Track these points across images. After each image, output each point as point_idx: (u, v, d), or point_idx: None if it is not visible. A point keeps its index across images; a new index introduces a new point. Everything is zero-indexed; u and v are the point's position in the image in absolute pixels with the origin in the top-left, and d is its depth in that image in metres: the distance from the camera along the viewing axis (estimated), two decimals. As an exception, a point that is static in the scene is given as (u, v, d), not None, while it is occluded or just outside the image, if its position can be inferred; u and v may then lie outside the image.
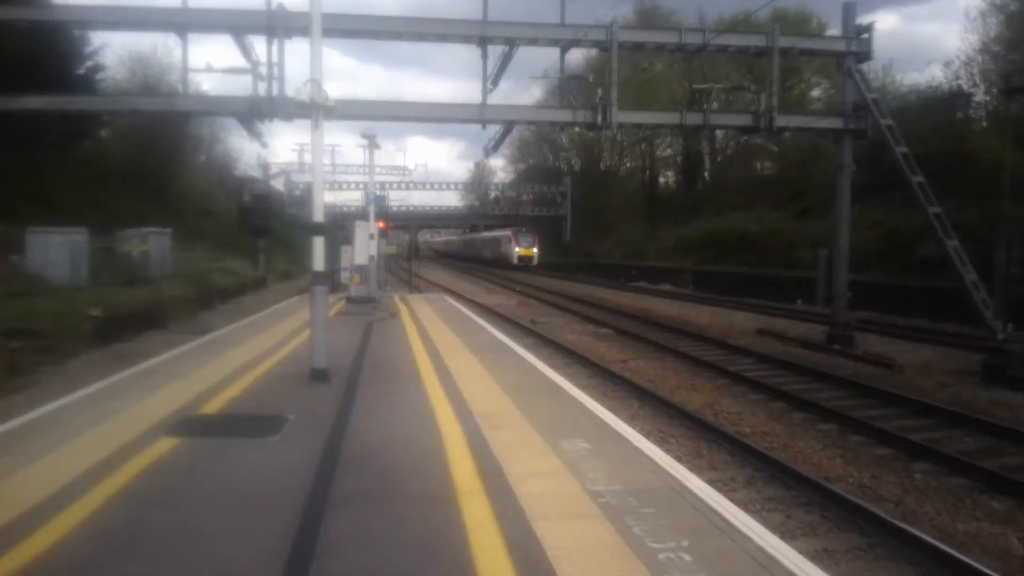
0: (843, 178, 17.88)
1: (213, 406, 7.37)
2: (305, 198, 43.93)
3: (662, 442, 8.65)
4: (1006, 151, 15.45)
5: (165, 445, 5.98)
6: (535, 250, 59.38)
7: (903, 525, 6.24)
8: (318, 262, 8.83)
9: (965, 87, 32.27)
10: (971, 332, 16.09)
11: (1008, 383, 12.46)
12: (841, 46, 17.58)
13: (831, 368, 14.05)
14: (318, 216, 8.94)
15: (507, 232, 61.99)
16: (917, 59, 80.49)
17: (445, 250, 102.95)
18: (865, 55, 17.37)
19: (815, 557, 5.55)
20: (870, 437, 9.41)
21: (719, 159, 50.94)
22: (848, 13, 17.51)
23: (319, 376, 8.51)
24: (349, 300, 18.27)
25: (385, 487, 5.05)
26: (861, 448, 9.08)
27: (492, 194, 77.16)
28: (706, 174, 52.18)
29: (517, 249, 59.38)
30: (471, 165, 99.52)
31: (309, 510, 4.61)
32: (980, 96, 32.04)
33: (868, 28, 17.14)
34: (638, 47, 17.92)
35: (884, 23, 46.27)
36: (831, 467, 8.30)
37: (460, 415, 7.02)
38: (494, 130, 19.96)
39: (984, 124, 30.74)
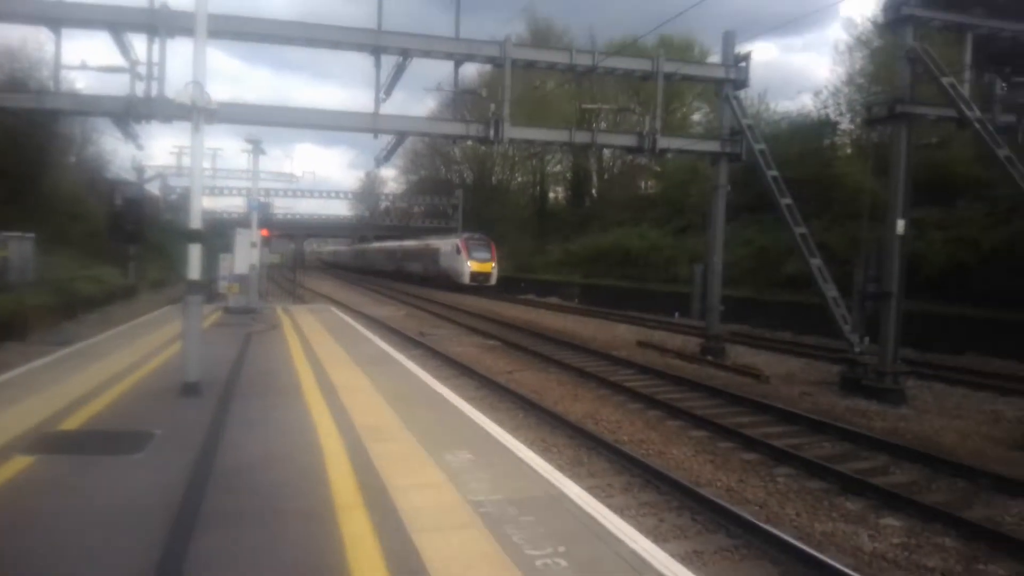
0: (718, 198, 18.83)
1: (74, 422, 6.94)
2: (182, 203, 41.98)
3: (544, 451, 8.81)
4: (866, 177, 16.70)
5: (19, 463, 5.59)
6: (494, 265, 44.37)
7: (766, 526, 6.62)
8: (194, 270, 8.50)
9: (832, 116, 34.74)
10: (831, 345, 17.26)
11: (863, 392, 13.46)
12: (720, 73, 18.51)
13: (704, 378, 14.75)
14: (195, 222, 8.60)
15: (453, 240, 46.56)
16: (790, 88, 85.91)
17: (335, 260, 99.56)
18: (742, 83, 18.34)
19: (685, 559, 5.82)
20: (738, 443, 9.95)
21: (606, 176, 52.47)
22: (727, 42, 18.49)
23: (191, 390, 8.17)
24: (227, 311, 17.59)
25: (260, 504, 4.92)
26: (730, 453, 9.58)
27: (383, 205, 76.27)
28: (594, 191, 53.59)
29: (470, 264, 43.47)
30: (362, 174, 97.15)
31: (177, 530, 4.42)
32: (845, 125, 34.51)
33: (746, 57, 18.09)
34: (530, 65, 18.27)
35: (762, 53, 49.15)
36: (702, 472, 8.71)
37: (342, 429, 6.92)
38: (386, 140, 19.80)
39: (848, 151, 33.13)
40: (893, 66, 15.63)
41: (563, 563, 4.18)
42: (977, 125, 13.02)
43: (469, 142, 34.79)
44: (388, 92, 17.04)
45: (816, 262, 15.83)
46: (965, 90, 13.91)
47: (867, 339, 14.45)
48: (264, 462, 5.82)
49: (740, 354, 18.21)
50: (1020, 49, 17.93)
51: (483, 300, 35.97)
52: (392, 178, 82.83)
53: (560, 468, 6.86)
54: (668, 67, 18.07)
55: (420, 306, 32.20)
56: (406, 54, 16.17)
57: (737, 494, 7.97)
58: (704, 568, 5.95)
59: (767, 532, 6.47)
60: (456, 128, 18.40)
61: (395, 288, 46.30)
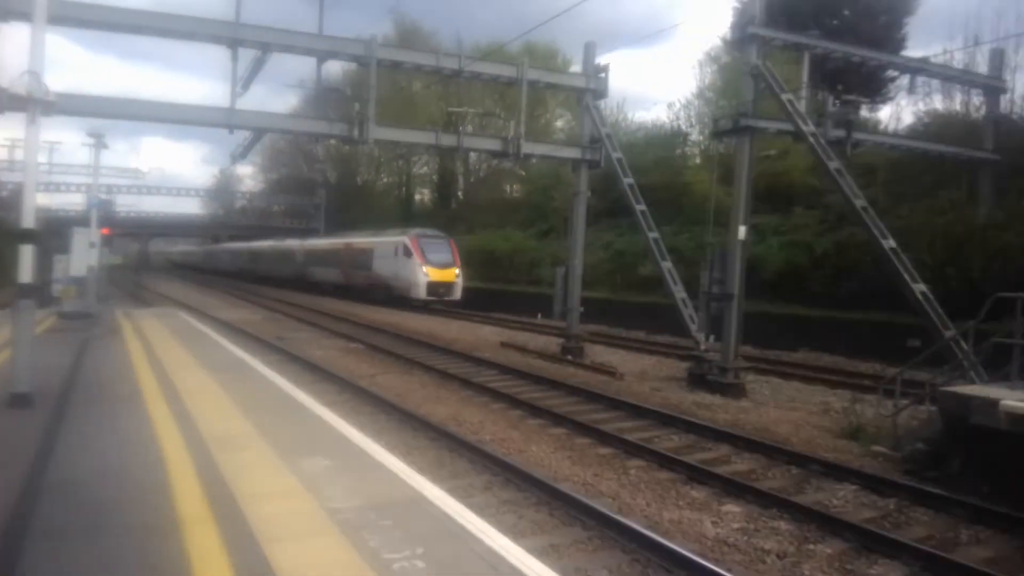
0: (579, 203, 19.44)
1: None
2: (14, 200, 38.35)
3: (406, 455, 8.74)
4: (713, 185, 17.80)
5: None
6: (457, 272, 33.09)
7: (618, 517, 6.91)
8: (25, 273, 7.83)
9: (684, 127, 36.72)
10: (681, 343, 18.22)
11: (708, 387, 14.30)
12: (581, 83, 19.08)
13: (564, 377, 15.18)
14: (28, 221, 7.93)
15: (399, 238, 34.16)
16: (647, 99, 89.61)
17: (185, 261, 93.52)
18: (601, 92, 19.01)
19: (542, 553, 5.95)
20: (594, 439, 10.32)
21: (472, 180, 52.83)
22: (588, 53, 19.08)
23: (20, 401, 7.51)
24: (62, 316, 16.28)
25: (96, 520, 4.60)
26: (586, 449, 9.91)
27: (239, 203, 73.05)
28: (460, 193, 53.83)
29: (426, 271, 32.03)
30: (216, 171, 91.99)
31: (3, 549, 4.07)
32: (695, 136, 36.57)
33: (605, 68, 18.80)
34: (396, 65, 18.10)
35: (622, 63, 51.07)
36: (560, 468, 8.95)
37: (189, 438, 6.58)
38: (243, 135, 18.99)
39: (697, 160, 35.13)
40: (739, 82, 16.72)
41: (420, 564, 4.18)
42: (811, 139, 14.11)
43: (332, 141, 34.12)
44: (246, 86, 16.38)
45: (667, 265, 16.64)
46: (802, 106, 15.07)
47: (712, 337, 15.38)
48: (101, 475, 5.45)
49: (598, 353, 18.86)
50: (850, 69, 19.71)
51: (346, 303, 35.11)
52: (249, 175, 79.25)
53: (421, 471, 6.83)
54: (532, 74, 18.47)
55: (279, 309, 31.11)
56: (266, 48, 15.60)
57: (592, 488, 8.26)
58: (560, 560, 6.11)
59: (619, 523, 6.75)
60: (319, 126, 17.93)
61: (252, 291, 44.42)
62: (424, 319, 28.13)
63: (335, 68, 32.65)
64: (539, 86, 19.64)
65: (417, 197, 58.47)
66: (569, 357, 18.08)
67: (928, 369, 11.59)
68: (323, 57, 16.44)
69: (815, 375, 15.93)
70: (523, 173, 44.86)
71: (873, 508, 8.00)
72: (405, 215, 54.67)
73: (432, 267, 32.26)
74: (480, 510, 6.28)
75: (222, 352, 12.73)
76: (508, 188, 50.40)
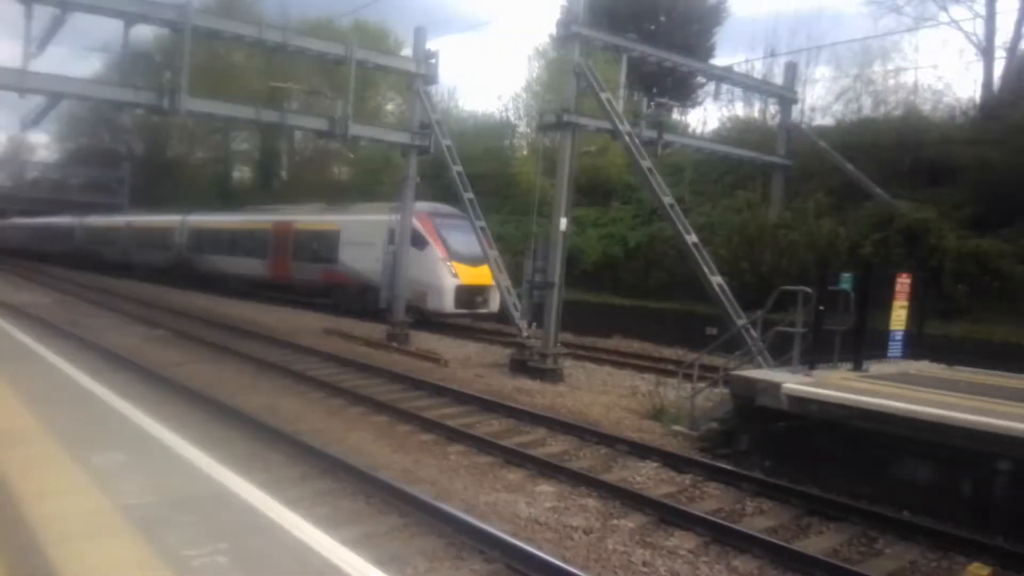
0: (407, 189, 19.34)
1: None
2: None
3: (213, 448, 8.23)
4: (537, 177, 18.32)
5: None
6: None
7: (434, 502, 6.99)
8: None
9: (512, 118, 37.46)
10: (505, 330, 18.69)
11: (529, 373, 14.78)
12: (412, 67, 18.90)
13: (388, 364, 15.09)
14: None
15: (389, 215, 21.84)
16: (480, 89, 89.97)
17: None
18: (432, 78, 18.98)
19: (355, 542, 5.88)
20: (417, 426, 10.37)
21: (298, 159, 50.89)
22: (419, 37, 18.94)
23: None
24: None
25: None
26: (408, 436, 9.94)
27: (31, 175, 65.65)
28: (283, 173, 51.68)
29: (453, 268, 21.91)
30: (3, 139, 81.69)
31: None
32: (523, 128, 37.42)
33: (435, 55, 18.77)
34: (214, 34, 16.98)
35: (455, 51, 51.08)
36: (380, 456, 8.91)
37: (-44, 435, 5.86)
38: (37, 101, 17.07)
39: (524, 152, 36.00)
40: (563, 78, 17.32)
41: (222, 560, 3.99)
42: (627, 138, 14.92)
43: (139, 111, 31.44)
44: (42, 47, 14.76)
45: (493, 254, 16.96)
46: (620, 106, 15.87)
47: (534, 324, 15.89)
48: None
49: (423, 340, 18.90)
50: (664, 73, 20.98)
51: (151, 285, 32.56)
52: (44, 145, 71.44)
53: (230, 464, 6.49)
54: (361, 54, 18.06)
55: (73, 292, 28.41)
56: (64, 7, 14.12)
57: (412, 474, 8.29)
58: (374, 549, 6.07)
59: (435, 508, 6.83)
60: (123, 94, 16.45)
61: (42, 271, 40.17)
62: (241, 304, 26.78)
63: (145, 32, 30.15)
64: (368, 67, 19.25)
65: (236, 175, 55.46)
66: (394, 344, 17.98)
67: (723, 354, 12.67)
68: (132, 20, 15.13)
69: (626, 360, 16.93)
70: (351, 155, 43.82)
71: (671, 483, 8.64)
72: (222, 193, 51.65)
73: (461, 263, 21.56)
74: (293, 503, 6.09)
75: (3, 339, 11.43)
76: (336, 170, 49.02)
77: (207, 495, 5.04)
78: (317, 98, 35.68)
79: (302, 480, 7.87)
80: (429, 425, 10.32)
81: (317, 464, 8.25)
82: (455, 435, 9.90)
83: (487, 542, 6.22)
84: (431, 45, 18.88)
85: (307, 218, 28.32)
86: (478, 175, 22.40)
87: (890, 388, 9.20)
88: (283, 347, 16.81)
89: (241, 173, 55.56)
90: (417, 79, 18.77)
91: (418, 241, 21.40)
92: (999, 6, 26.10)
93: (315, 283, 26.46)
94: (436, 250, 21.83)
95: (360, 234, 24.31)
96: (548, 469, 8.65)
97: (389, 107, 47.82)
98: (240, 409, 10.40)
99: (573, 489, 8.12)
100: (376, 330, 19.69)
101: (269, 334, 18.42)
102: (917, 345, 11.83)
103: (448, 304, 21.47)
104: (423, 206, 22.18)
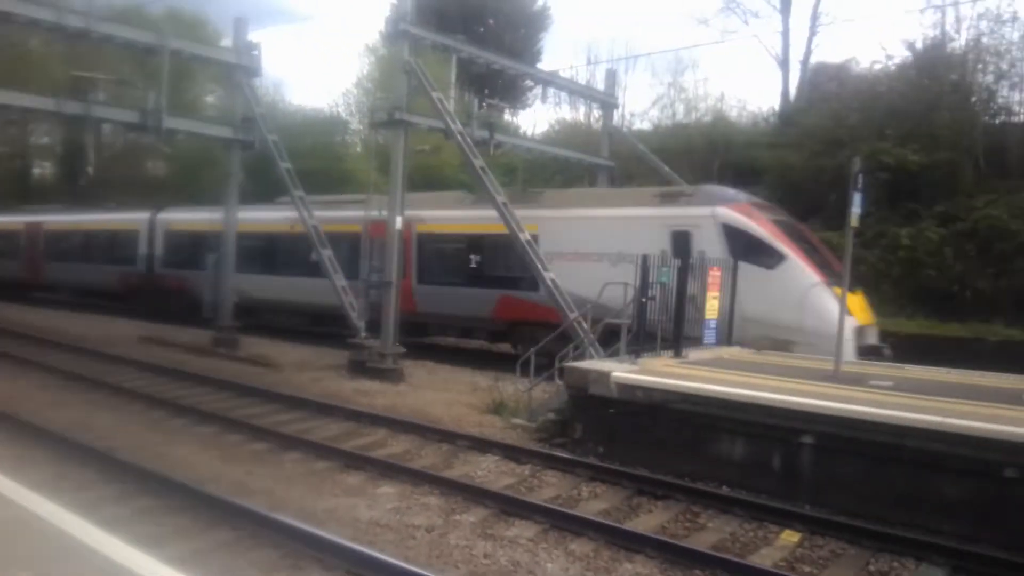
0: (231, 186, 18.42)
1: None
2: None
3: (15, 470, 7.46)
4: (372, 174, 18.00)
5: None
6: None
7: (269, 513, 6.68)
8: None
9: (344, 115, 36.61)
10: (344, 332, 18.22)
11: (368, 374, 14.53)
12: (232, 58, 18.00)
13: (214, 371, 14.31)
14: None
15: (725, 212, 14.03)
16: (313, 83, 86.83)
17: None
18: (255, 70, 18.17)
19: (182, 560, 5.53)
20: (248, 435, 9.90)
21: (107, 155, 46.91)
22: (239, 28, 18.07)
23: None
24: None
25: None
26: (238, 446, 9.47)
27: None
28: (90, 168, 47.47)
29: (834, 295, 12.25)
30: None
31: None
32: (356, 124, 36.67)
33: (257, 46, 18.00)
34: (6, 17, 15.25)
35: (282, 43, 48.94)
36: (207, 469, 8.40)
37: None
38: None
39: (359, 149, 35.32)
40: (395, 75, 17.13)
41: (24, 590, 3.61)
42: (459, 137, 14.99)
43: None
44: None
45: (327, 252, 16.49)
46: (451, 106, 15.92)
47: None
48: None
49: (254, 344, 18.05)
50: (493, 75, 21.33)
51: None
52: None
53: (35, 487, 5.90)
54: (176, 43, 16.97)
55: None
56: None
57: (244, 486, 7.89)
58: (204, 565, 5.74)
59: (270, 519, 6.54)
60: None
61: None
62: (41, 313, 24.32)
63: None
64: (184, 56, 18.09)
65: (37, 170, 50.29)
66: (222, 350, 17.03)
67: (558, 347, 13.08)
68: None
69: (465, 358, 17.05)
70: (168, 150, 40.95)
71: (511, 475, 8.81)
72: (22, 191, 46.60)
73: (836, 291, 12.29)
74: (108, 524, 5.61)
75: None
76: (152, 165, 45.65)
77: (8, 519, 4.56)
78: (128, 89, 33.16)
79: (119, 499, 7.25)
80: (261, 433, 9.87)
81: (136, 481, 7.63)
82: (290, 442, 9.53)
83: (325, 549, 6.04)
84: (253, 36, 18.13)
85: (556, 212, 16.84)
86: (309, 171, 21.73)
87: (706, 372, 9.92)
88: (94, 357, 15.42)
89: (42, 169, 50.42)
90: (238, 71, 17.91)
91: (762, 253, 13.60)
92: (793, 23, 28.97)
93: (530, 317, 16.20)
94: (804, 269, 13.43)
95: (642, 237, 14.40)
96: (389, 470, 8.54)
97: (210, 99, 45.22)
98: (46, 427, 9.43)
99: (415, 488, 8.07)
100: (202, 336, 18.55)
101: (77, 344, 16.86)
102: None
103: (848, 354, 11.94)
104: (732, 194, 15.16)
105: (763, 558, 6.56)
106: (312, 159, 27.06)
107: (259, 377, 13.98)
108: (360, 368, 14.80)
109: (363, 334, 15.38)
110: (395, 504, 7.62)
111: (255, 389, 12.58)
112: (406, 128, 15.50)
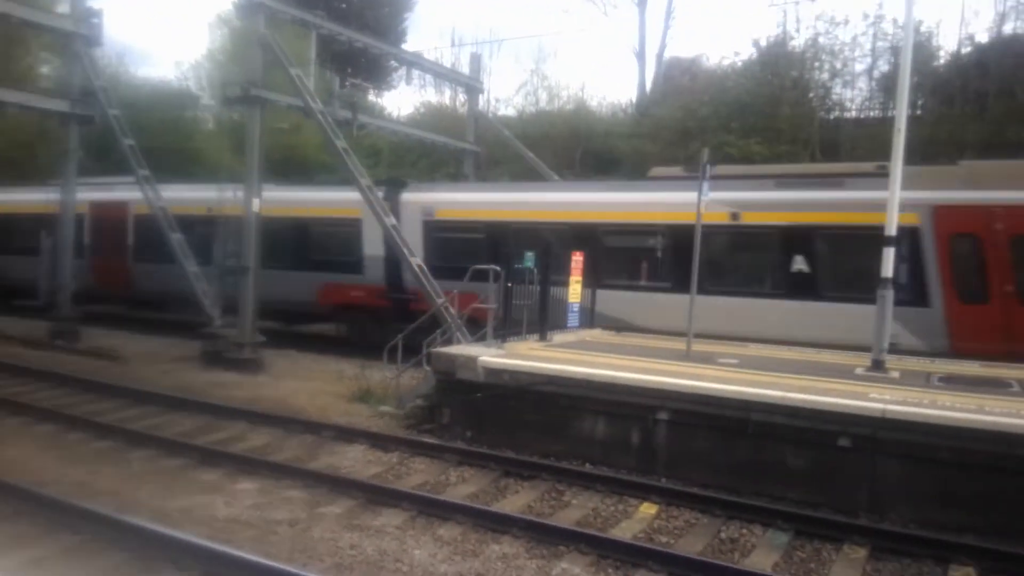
0: (69, 163, 17.02)
1: None
2: None
3: None
4: (226, 153, 17.15)
5: None
6: None
7: (116, 515, 6.26)
8: None
9: (194, 89, 34.46)
10: (196, 320, 17.30)
11: (224, 364, 13.90)
12: (69, 25, 16.55)
13: (52, 365, 13.26)
14: None
15: None
16: (161, 55, 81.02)
17: None
18: (95, 39, 16.84)
19: (18, 569, 5.13)
20: (90, 432, 9.24)
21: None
22: (76, -6, 16.62)
23: None
24: None
25: None
26: (80, 445, 8.85)
27: None
28: None
29: None
30: None
31: None
32: (207, 99, 34.59)
33: (99, 13, 16.65)
34: None
35: (127, 10, 45.15)
36: (46, 470, 7.78)
37: None
38: None
39: (211, 126, 33.42)
40: (250, 49, 16.34)
41: None
42: (319, 116, 14.51)
43: None
44: None
45: (177, 237, 15.58)
46: (312, 83, 15.38)
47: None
48: None
49: (97, 336, 16.80)
50: (356, 54, 20.79)
51: None
52: None
53: None
54: (3, 6, 15.35)
55: None
56: None
57: (88, 487, 7.36)
58: (45, 572, 5.33)
59: (116, 520, 6.14)
60: None
61: None
62: None
63: None
64: (13, 22, 16.43)
65: None
66: (60, 343, 15.75)
67: (427, 333, 13.01)
68: None
69: (329, 346, 16.65)
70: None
71: (379, 464, 8.71)
72: None
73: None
74: (-73, 537, 5.11)
75: None
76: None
77: None
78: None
79: (-62, 510, 6.59)
80: (104, 431, 9.22)
81: (-40, 489, 6.95)
82: (138, 439, 8.95)
83: (179, 550, 5.73)
84: (95, 2, 16.72)
85: None
86: (156, 148, 20.44)
87: (569, 355, 10.21)
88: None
89: None
90: (77, 39, 16.50)
91: None
92: (648, 16, 30.10)
93: None
94: None
95: None
96: (249, 465, 8.21)
97: (45, 70, 41.34)
98: None
99: (277, 482, 7.80)
100: (38, 328, 17.03)
101: None
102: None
103: None
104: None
105: (623, 531, 6.85)
106: (160, 136, 25.38)
107: (103, 371, 13.05)
108: (216, 359, 14.13)
109: (218, 322, 14.68)
110: (255, 500, 7.35)
111: (97, 384, 11.72)
112: (262, 105, 14.83)
